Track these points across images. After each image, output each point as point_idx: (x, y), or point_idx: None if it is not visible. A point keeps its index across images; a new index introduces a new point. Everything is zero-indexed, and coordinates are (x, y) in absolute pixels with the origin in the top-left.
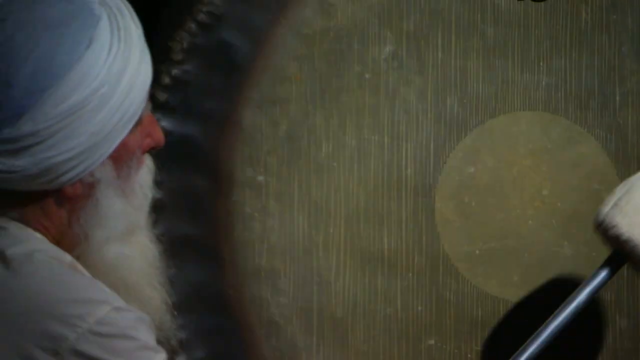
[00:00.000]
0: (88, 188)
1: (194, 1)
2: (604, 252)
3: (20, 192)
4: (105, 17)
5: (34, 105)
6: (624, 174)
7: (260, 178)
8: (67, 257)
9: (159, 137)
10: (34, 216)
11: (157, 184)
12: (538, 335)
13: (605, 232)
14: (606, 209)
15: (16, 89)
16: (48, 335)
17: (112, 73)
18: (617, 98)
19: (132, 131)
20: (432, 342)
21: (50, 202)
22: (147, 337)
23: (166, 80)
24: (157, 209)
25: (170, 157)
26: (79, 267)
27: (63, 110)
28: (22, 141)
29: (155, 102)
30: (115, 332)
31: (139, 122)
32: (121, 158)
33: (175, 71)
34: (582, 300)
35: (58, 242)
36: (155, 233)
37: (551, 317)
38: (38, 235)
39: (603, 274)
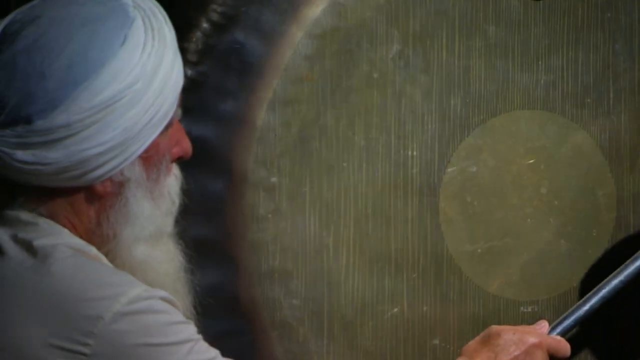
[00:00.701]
0: (118, 187)
1: (208, 1)
2: (599, 250)
3: (50, 189)
4: (140, 18)
5: (68, 97)
6: (617, 172)
7: (274, 179)
8: (93, 250)
9: (187, 147)
10: (64, 213)
11: None
12: (617, 275)
13: None
14: None
15: (50, 81)
16: (83, 318)
17: (146, 70)
18: (611, 95)
19: (163, 133)
20: (436, 342)
21: (80, 199)
22: (177, 312)
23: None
24: None
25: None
26: (104, 259)
27: (97, 104)
28: (55, 133)
29: None
30: (147, 309)
31: (169, 126)
32: (151, 159)
33: (190, 72)
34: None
35: (88, 239)
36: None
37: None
38: (66, 230)
39: None
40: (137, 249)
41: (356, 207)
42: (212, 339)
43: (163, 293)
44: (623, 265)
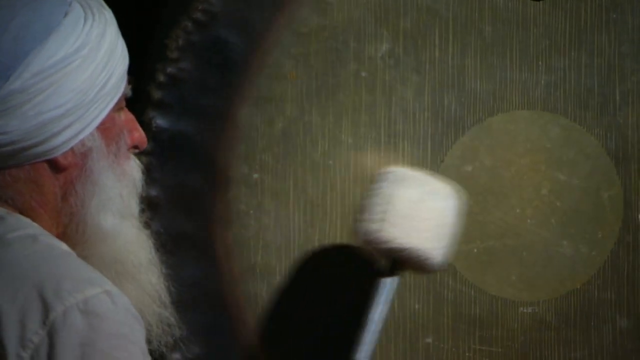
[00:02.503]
0: (81, 158)
1: None
2: (604, 251)
3: (14, 170)
4: (75, 0)
5: (20, 64)
6: (624, 173)
7: (256, 176)
8: (64, 246)
9: (142, 136)
10: (30, 193)
11: (153, 181)
12: None
13: (380, 246)
14: (375, 224)
15: (0, 54)
16: (40, 305)
17: (91, 38)
18: (617, 97)
19: (117, 111)
20: (429, 340)
21: (44, 175)
22: (135, 329)
23: (161, 78)
24: (153, 206)
25: (166, 154)
26: (74, 255)
27: (49, 66)
28: (12, 100)
29: (151, 100)
30: (101, 312)
31: (121, 107)
32: (110, 132)
33: (170, 69)
34: (382, 314)
35: (55, 218)
36: (150, 231)
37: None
38: (36, 224)
39: (392, 283)
40: (106, 219)
41: (343, 205)
42: (195, 333)
43: (126, 303)
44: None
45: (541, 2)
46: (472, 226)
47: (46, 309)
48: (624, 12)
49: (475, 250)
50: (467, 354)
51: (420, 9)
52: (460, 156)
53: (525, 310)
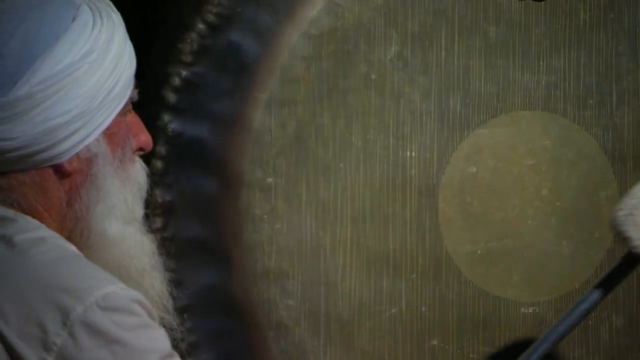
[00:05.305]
0: (86, 164)
1: (203, 2)
2: (602, 251)
3: (20, 175)
4: (85, 3)
5: (28, 71)
6: (620, 173)
7: (270, 180)
8: (73, 248)
9: (148, 139)
10: (35, 197)
11: (167, 186)
12: (564, 320)
13: (619, 236)
14: (621, 215)
15: (8, 59)
16: (57, 307)
17: (99, 43)
18: (614, 97)
19: (122, 115)
20: (435, 342)
21: (49, 180)
22: (152, 320)
23: (176, 82)
24: (167, 211)
25: (180, 158)
26: (83, 257)
27: (56, 73)
28: (19, 106)
29: (165, 104)
30: (121, 306)
31: (128, 111)
32: (115, 137)
33: (185, 73)
34: (598, 297)
35: (60, 222)
36: (162, 236)
37: (569, 311)
38: (45, 226)
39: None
40: (110, 225)
41: (353, 207)
42: (208, 339)
43: (141, 297)
44: (570, 309)
45: (542, 2)
46: (476, 228)
47: (65, 309)
48: (621, 12)
49: (479, 252)
50: (471, 355)
51: (427, 11)
52: (464, 157)
53: (526, 311)
